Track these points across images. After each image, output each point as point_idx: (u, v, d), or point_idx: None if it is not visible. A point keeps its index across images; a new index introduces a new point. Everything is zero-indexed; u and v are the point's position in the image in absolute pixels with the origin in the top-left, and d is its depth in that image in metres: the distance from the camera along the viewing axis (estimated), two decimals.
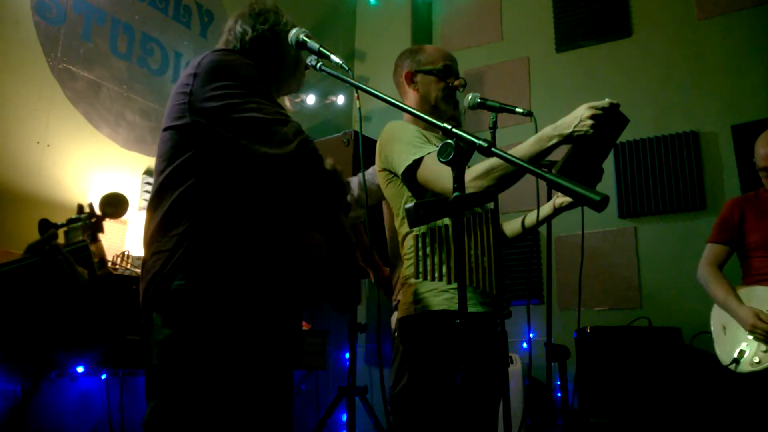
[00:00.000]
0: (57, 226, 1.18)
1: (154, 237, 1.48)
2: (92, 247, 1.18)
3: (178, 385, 1.38)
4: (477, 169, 1.67)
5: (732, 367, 2.52)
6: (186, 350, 1.38)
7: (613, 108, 1.60)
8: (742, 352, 2.52)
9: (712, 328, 2.74)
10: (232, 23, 1.72)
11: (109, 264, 2.77)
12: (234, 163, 1.48)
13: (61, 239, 1.22)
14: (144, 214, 1.70)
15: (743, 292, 2.64)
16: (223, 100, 1.46)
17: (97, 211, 1.27)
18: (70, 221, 1.20)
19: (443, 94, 2.01)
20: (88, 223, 1.20)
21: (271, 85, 1.67)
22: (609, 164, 4.16)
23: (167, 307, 1.40)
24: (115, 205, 1.27)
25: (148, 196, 3.25)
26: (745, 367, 2.50)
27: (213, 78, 1.49)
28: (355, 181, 2.58)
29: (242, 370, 1.44)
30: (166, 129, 1.55)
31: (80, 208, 1.26)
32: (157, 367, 1.40)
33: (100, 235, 1.34)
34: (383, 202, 2.53)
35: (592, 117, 1.56)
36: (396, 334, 2.40)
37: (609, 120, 1.59)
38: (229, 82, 1.48)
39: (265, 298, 1.51)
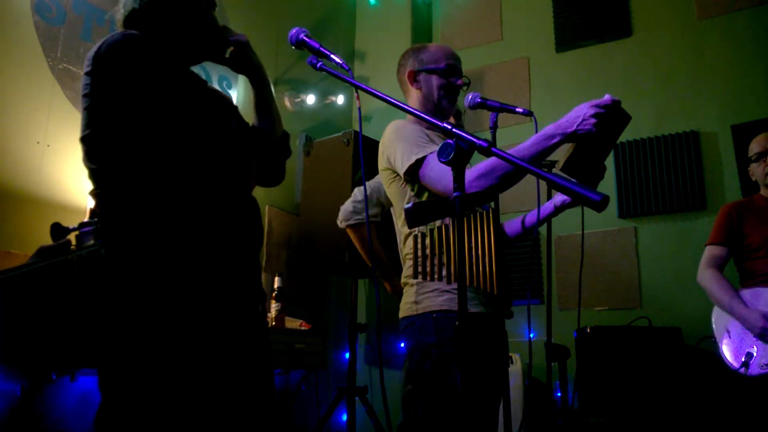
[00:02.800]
0: (69, 230, 1.18)
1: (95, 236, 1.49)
2: (104, 251, 1.18)
3: (127, 379, 1.34)
4: (478, 168, 1.67)
5: (742, 371, 2.50)
6: (134, 343, 1.35)
7: (615, 105, 1.60)
8: (750, 355, 2.51)
9: (714, 332, 2.72)
10: None
11: None
12: (156, 156, 1.43)
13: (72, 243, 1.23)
14: None
15: (747, 294, 2.63)
16: (125, 101, 1.41)
17: None
18: (82, 225, 1.20)
19: (445, 93, 2.01)
20: (100, 228, 1.20)
21: (179, 51, 1.58)
22: (609, 164, 4.15)
23: (117, 306, 1.38)
24: None
25: None
26: (754, 369, 2.49)
27: (108, 75, 1.42)
28: (374, 185, 2.56)
29: (195, 358, 1.39)
30: (81, 139, 1.49)
31: (92, 212, 1.27)
32: (105, 360, 1.38)
33: None
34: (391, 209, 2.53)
35: (594, 115, 1.56)
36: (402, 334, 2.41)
37: (612, 118, 1.59)
38: (125, 77, 1.41)
39: (214, 280, 1.46)
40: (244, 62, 1.67)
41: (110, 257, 1.39)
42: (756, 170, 2.79)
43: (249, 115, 1.75)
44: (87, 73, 1.45)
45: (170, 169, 1.44)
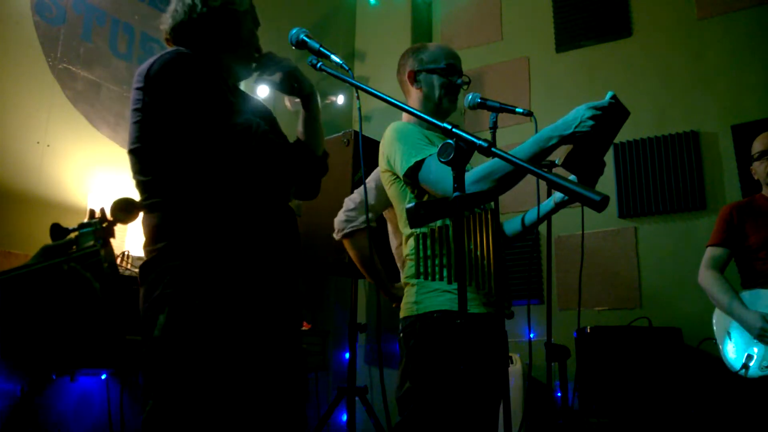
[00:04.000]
0: (69, 231, 1.19)
1: (146, 245, 1.54)
2: (103, 252, 1.18)
3: (178, 383, 1.39)
4: (477, 171, 1.67)
5: (742, 372, 2.49)
6: (186, 348, 1.41)
7: (613, 104, 1.60)
8: (750, 357, 2.50)
9: (715, 334, 2.72)
10: None
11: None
12: (201, 173, 1.51)
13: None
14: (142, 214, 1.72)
15: (746, 295, 2.63)
16: (181, 112, 1.49)
17: (109, 217, 1.27)
18: (82, 226, 1.20)
19: (446, 92, 2.01)
20: (100, 229, 1.20)
21: (224, 68, 1.65)
22: (609, 164, 4.16)
23: (170, 308, 1.43)
24: (126, 210, 1.28)
25: None
26: (755, 371, 2.48)
27: (164, 90, 1.50)
28: (353, 196, 2.55)
29: (244, 364, 1.46)
30: (130, 152, 1.57)
31: (92, 213, 1.27)
32: (156, 365, 1.42)
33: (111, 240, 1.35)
34: (384, 213, 2.52)
35: (592, 117, 1.56)
36: (401, 335, 2.40)
37: (610, 117, 1.59)
38: (180, 91, 1.49)
39: (262, 287, 1.53)
40: (298, 87, 1.73)
41: (162, 262, 1.47)
42: (758, 169, 2.79)
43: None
44: (138, 89, 1.53)
45: (219, 182, 1.52)
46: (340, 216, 2.55)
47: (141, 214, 1.55)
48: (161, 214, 1.52)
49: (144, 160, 1.55)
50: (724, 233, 2.77)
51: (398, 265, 2.51)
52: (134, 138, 1.56)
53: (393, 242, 2.50)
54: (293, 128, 1.76)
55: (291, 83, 1.72)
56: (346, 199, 2.63)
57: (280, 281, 1.58)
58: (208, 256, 1.48)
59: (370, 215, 2.45)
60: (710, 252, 2.81)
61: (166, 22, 1.66)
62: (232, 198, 1.53)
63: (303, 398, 1.61)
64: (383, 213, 2.51)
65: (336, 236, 2.55)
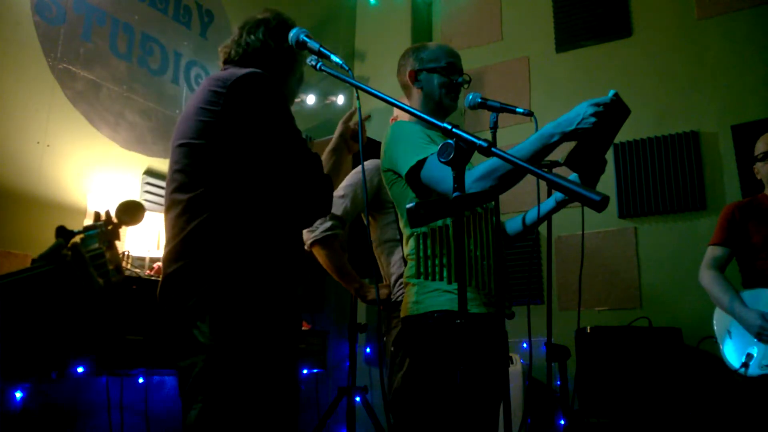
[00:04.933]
0: (74, 233, 1.19)
1: (181, 251, 1.56)
2: (108, 255, 1.19)
3: (224, 388, 1.48)
4: (478, 170, 1.67)
5: (742, 371, 2.49)
6: (232, 355, 1.49)
7: (615, 102, 1.60)
8: (750, 356, 2.50)
9: (716, 333, 2.72)
10: (246, 28, 1.79)
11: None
12: (257, 182, 1.59)
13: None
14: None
15: (747, 295, 2.63)
16: (257, 122, 1.58)
17: (114, 219, 1.27)
18: (87, 228, 1.20)
19: (447, 91, 2.01)
20: (104, 231, 1.21)
21: (289, 92, 1.82)
22: (609, 164, 4.16)
23: (214, 317, 1.50)
24: (131, 212, 1.28)
25: (148, 196, 3.27)
26: (754, 370, 2.47)
27: (245, 99, 1.58)
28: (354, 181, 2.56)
29: (275, 369, 1.57)
30: (184, 144, 1.62)
31: (97, 215, 1.27)
32: (204, 370, 1.49)
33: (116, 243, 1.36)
34: (362, 215, 2.54)
35: (594, 114, 1.56)
36: (385, 338, 2.40)
37: (611, 114, 1.59)
38: (261, 104, 1.59)
39: (285, 299, 1.64)
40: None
41: (205, 268, 1.53)
42: (762, 169, 2.78)
43: None
44: (214, 92, 1.60)
45: (266, 200, 1.61)
46: (304, 233, 2.56)
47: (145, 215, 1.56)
48: (207, 219, 1.56)
49: (201, 154, 1.59)
50: (727, 232, 2.77)
51: (380, 267, 2.52)
52: (196, 133, 1.60)
53: (375, 246, 2.51)
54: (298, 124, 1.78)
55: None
56: None
57: (292, 294, 1.68)
58: (243, 270, 1.55)
59: (336, 223, 2.47)
60: (711, 251, 2.80)
61: (230, 48, 1.79)
62: (271, 218, 1.62)
63: (297, 400, 1.69)
64: (361, 214, 2.53)
65: (306, 248, 2.56)
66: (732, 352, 2.60)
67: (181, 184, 1.60)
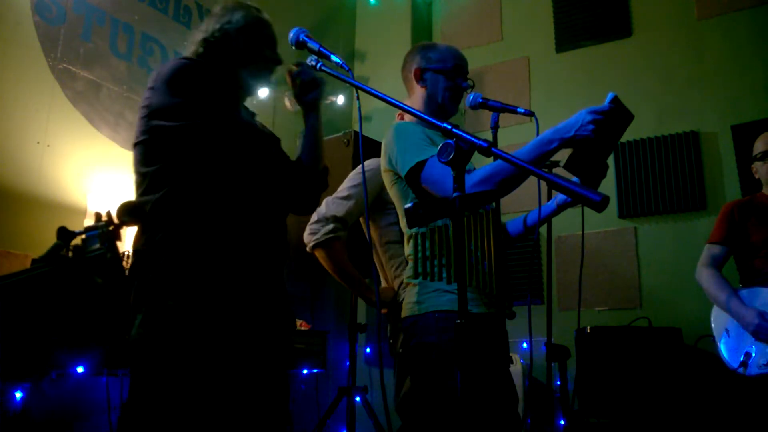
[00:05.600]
0: (75, 234, 1.19)
1: (136, 243, 1.57)
2: (109, 256, 1.19)
3: (148, 384, 1.43)
4: (479, 173, 1.67)
5: (740, 371, 2.48)
6: (160, 350, 1.44)
7: (615, 108, 1.60)
8: (748, 355, 2.50)
9: (714, 331, 2.71)
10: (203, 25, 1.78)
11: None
12: (201, 168, 1.56)
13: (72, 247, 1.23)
14: None
15: (745, 293, 2.63)
16: (178, 113, 1.55)
17: (115, 220, 1.28)
18: (88, 229, 1.20)
19: (450, 94, 2.01)
20: (106, 232, 1.21)
21: (236, 86, 1.74)
22: (609, 164, 4.17)
23: (147, 310, 1.47)
24: (133, 213, 1.29)
25: None
26: (753, 369, 2.47)
27: (167, 91, 1.57)
28: (327, 200, 2.55)
29: (219, 365, 1.49)
30: (135, 145, 1.65)
31: (98, 216, 1.27)
32: (133, 365, 1.47)
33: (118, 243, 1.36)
34: (361, 218, 2.53)
35: (593, 122, 1.56)
36: (391, 341, 2.39)
37: (611, 121, 1.59)
38: (182, 93, 1.56)
39: (247, 292, 1.58)
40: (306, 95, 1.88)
41: (158, 254, 1.51)
42: (761, 169, 2.78)
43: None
44: (150, 88, 1.61)
45: (213, 184, 1.57)
46: (306, 230, 2.55)
47: None
48: (153, 208, 1.55)
49: (145, 151, 1.60)
50: (724, 231, 2.76)
51: (379, 270, 2.52)
52: (139, 131, 1.62)
53: (377, 247, 2.51)
54: (291, 128, 1.77)
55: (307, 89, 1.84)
56: (315, 212, 2.62)
57: (262, 287, 1.63)
58: (193, 257, 1.52)
59: (339, 225, 2.45)
60: (710, 249, 2.80)
61: (197, 34, 1.77)
62: (224, 201, 1.58)
63: (286, 395, 1.65)
64: (360, 219, 2.52)
65: (309, 250, 2.56)
66: (730, 351, 2.59)
67: (137, 185, 1.62)
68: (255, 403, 1.55)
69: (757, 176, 2.83)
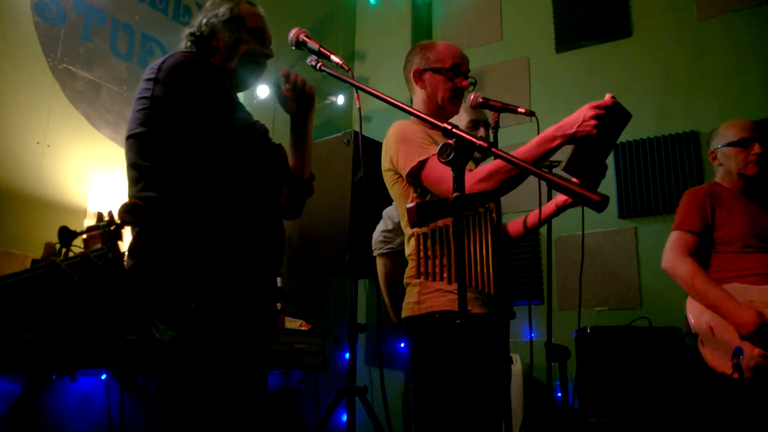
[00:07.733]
0: (76, 234, 1.19)
1: (136, 248, 1.55)
2: (110, 255, 1.19)
3: (186, 390, 1.45)
4: (480, 171, 1.67)
5: (732, 374, 2.35)
6: (192, 356, 1.45)
7: (615, 106, 1.60)
8: (738, 356, 2.34)
9: (695, 329, 2.54)
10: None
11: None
12: (201, 166, 1.55)
13: (75, 247, 1.24)
14: None
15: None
16: (188, 104, 1.54)
17: (116, 220, 1.28)
18: (90, 229, 1.21)
19: (450, 94, 2.00)
20: (107, 231, 1.21)
21: (227, 75, 1.72)
22: (609, 164, 4.17)
23: (170, 314, 1.46)
24: (134, 213, 1.29)
25: None
26: (742, 372, 2.34)
27: (175, 84, 1.56)
28: (390, 212, 2.51)
29: (239, 368, 1.52)
30: (129, 137, 1.61)
31: (100, 216, 1.28)
32: (165, 373, 1.47)
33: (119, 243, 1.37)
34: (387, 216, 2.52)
35: (595, 117, 1.56)
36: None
37: (612, 118, 1.60)
38: (190, 85, 1.55)
39: (254, 292, 1.60)
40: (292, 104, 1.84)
41: (165, 255, 1.50)
42: (736, 157, 2.66)
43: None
44: (148, 80, 1.60)
45: (217, 178, 1.57)
46: (377, 235, 2.52)
47: None
48: (155, 207, 1.53)
49: (144, 144, 1.58)
50: (697, 218, 2.57)
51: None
52: (137, 123, 1.59)
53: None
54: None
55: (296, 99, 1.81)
56: (385, 215, 2.56)
57: (262, 284, 1.64)
58: (204, 258, 1.51)
59: (401, 239, 2.44)
60: (680, 236, 2.58)
61: (190, 28, 1.78)
62: (226, 197, 1.57)
63: (265, 397, 1.67)
64: (387, 218, 2.51)
65: (373, 252, 2.54)
66: (717, 352, 2.45)
67: (131, 179, 1.60)
68: (258, 400, 1.59)
69: (718, 164, 2.74)
